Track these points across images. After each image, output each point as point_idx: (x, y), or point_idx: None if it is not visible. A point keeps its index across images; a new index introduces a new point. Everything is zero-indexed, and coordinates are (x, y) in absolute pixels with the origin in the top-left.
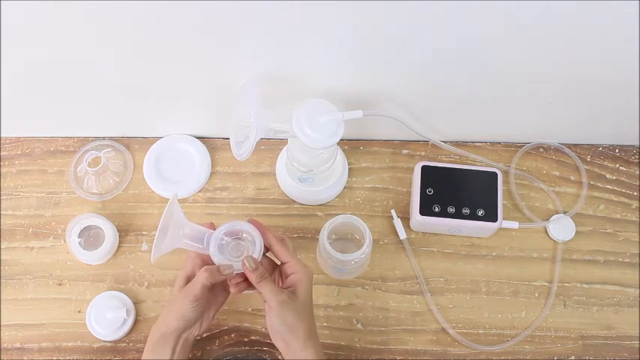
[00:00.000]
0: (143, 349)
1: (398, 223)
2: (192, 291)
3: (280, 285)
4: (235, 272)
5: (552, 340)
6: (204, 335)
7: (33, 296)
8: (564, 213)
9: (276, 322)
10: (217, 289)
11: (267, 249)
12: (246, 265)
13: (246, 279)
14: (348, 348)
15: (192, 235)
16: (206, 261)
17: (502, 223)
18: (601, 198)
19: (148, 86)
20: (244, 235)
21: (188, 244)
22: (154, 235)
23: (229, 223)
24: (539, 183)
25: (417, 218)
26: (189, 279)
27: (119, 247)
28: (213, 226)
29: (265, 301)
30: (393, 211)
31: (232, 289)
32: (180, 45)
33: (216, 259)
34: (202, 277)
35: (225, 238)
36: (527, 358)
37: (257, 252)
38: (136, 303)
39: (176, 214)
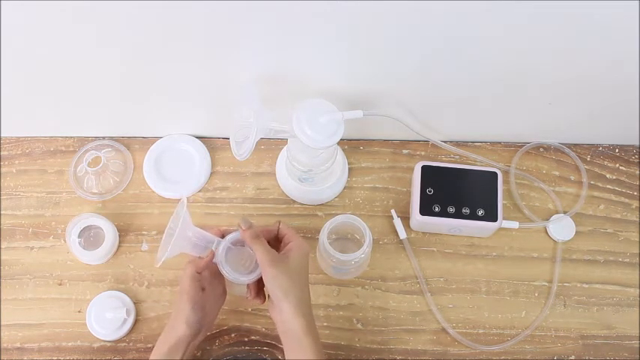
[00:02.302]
0: (143, 349)
1: (398, 222)
2: (182, 287)
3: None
4: (247, 281)
5: (552, 339)
6: None
7: (33, 296)
8: (564, 213)
9: (270, 285)
10: (216, 293)
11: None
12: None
13: (261, 288)
14: (348, 348)
15: (198, 242)
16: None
17: (502, 222)
18: (601, 198)
19: (148, 86)
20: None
21: (193, 250)
22: (154, 235)
23: (236, 233)
24: (539, 183)
25: (417, 218)
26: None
27: (119, 247)
28: (219, 232)
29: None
30: (393, 211)
31: (258, 302)
32: (180, 45)
33: (225, 270)
34: (187, 271)
35: (232, 247)
36: (527, 358)
37: (256, 274)
38: (136, 303)
39: (184, 219)
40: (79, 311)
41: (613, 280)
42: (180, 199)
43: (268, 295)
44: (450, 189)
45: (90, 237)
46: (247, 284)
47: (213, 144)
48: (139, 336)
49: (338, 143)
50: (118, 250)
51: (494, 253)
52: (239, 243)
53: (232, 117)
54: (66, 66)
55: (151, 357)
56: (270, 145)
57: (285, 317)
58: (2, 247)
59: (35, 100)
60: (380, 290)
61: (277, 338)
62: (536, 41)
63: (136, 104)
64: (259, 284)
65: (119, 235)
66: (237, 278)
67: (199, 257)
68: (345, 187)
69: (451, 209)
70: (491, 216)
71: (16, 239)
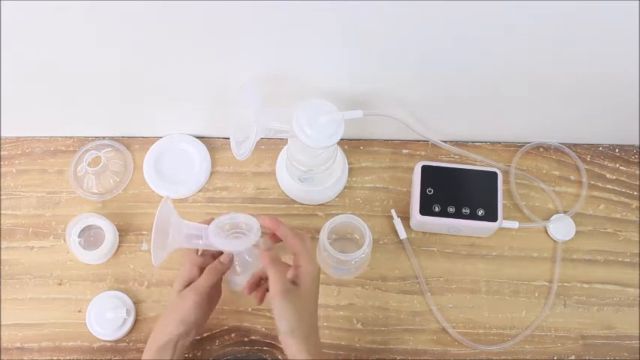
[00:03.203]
0: (143, 349)
1: (398, 222)
2: (199, 291)
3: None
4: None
5: (552, 339)
6: (204, 335)
7: (33, 296)
8: (564, 213)
9: (277, 317)
10: (212, 293)
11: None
12: (262, 244)
13: (261, 286)
14: (348, 348)
15: (191, 234)
16: (204, 263)
17: (502, 222)
18: (601, 198)
19: (148, 86)
20: (244, 228)
21: (188, 243)
22: None
23: (226, 214)
24: (540, 183)
25: (417, 218)
26: (184, 281)
27: (119, 246)
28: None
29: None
30: (393, 211)
31: (257, 302)
32: (181, 45)
33: (218, 243)
34: (207, 278)
35: (221, 232)
36: (527, 357)
37: (252, 237)
38: (136, 303)
39: (173, 216)
40: (79, 311)
41: (613, 280)
42: (181, 199)
43: (271, 301)
44: (450, 189)
45: (90, 237)
46: (245, 282)
47: (213, 144)
48: (139, 336)
49: (338, 143)
50: (118, 250)
51: (494, 253)
52: (234, 227)
53: (232, 117)
54: (66, 66)
55: (143, 357)
56: (270, 145)
57: (290, 352)
58: (2, 247)
59: (35, 100)
60: (380, 290)
61: (277, 338)
62: (536, 41)
63: (136, 104)
64: (258, 282)
65: (119, 235)
66: (233, 246)
67: (219, 263)
68: (345, 187)
69: (451, 209)
70: (491, 216)
71: (16, 239)
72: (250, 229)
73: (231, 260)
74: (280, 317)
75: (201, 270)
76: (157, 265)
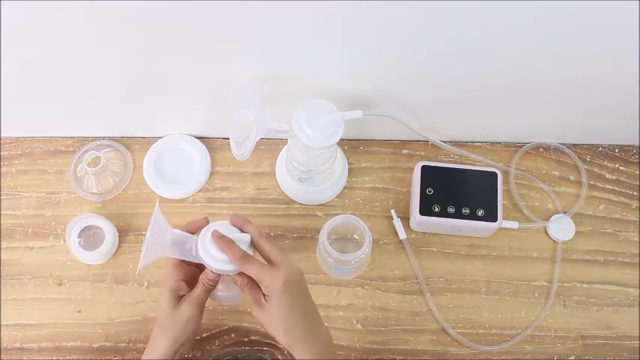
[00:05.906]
0: (143, 349)
1: (398, 223)
2: (197, 303)
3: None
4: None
5: (552, 340)
6: (204, 335)
7: (33, 296)
8: (564, 213)
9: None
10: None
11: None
12: (237, 282)
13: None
14: (347, 348)
15: (176, 243)
16: (187, 273)
17: (502, 223)
18: (601, 198)
19: (148, 86)
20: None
21: (174, 252)
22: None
23: (209, 226)
24: (539, 183)
25: (416, 218)
26: (175, 294)
27: (119, 247)
28: (206, 221)
29: None
30: (392, 211)
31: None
32: (181, 45)
33: (208, 260)
34: (204, 289)
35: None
36: (527, 358)
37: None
38: (136, 303)
39: (157, 223)
40: (79, 311)
41: (613, 280)
42: (181, 199)
43: None
44: (450, 189)
45: (90, 237)
46: (241, 287)
47: (213, 144)
48: (138, 336)
49: (338, 143)
50: (117, 250)
51: (494, 253)
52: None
53: (232, 117)
54: (66, 66)
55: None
56: (270, 145)
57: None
58: (2, 247)
59: (35, 100)
60: (380, 290)
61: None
62: (536, 41)
63: (136, 104)
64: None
65: (119, 236)
66: (222, 266)
67: (208, 276)
68: (345, 187)
69: (451, 209)
70: (491, 216)
71: (16, 239)
72: (240, 242)
73: (219, 271)
74: (267, 329)
75: (186, 280)
76: (137, 272)
